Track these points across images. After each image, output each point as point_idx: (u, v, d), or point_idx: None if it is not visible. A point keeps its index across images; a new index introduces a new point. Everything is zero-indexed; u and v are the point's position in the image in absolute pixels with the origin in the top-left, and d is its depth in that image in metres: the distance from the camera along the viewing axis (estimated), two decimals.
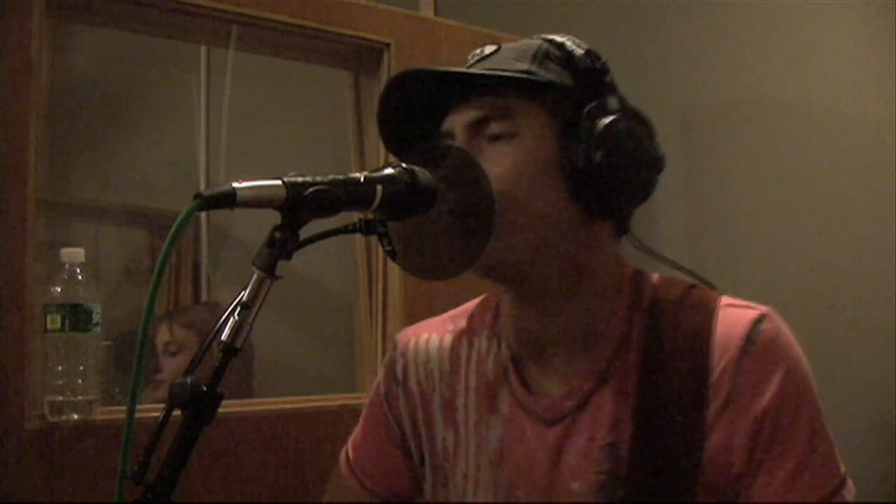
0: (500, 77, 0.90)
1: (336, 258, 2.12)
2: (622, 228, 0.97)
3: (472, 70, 0.93)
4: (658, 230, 2.15)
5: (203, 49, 2.33)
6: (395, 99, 0.95)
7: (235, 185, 0.73)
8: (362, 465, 1.13)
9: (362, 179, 0.81)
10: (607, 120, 0.89)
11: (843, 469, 0.89)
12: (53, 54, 1.44)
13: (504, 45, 0.96)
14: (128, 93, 2.36)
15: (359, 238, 1.79)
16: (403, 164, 0.85)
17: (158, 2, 1.51)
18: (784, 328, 0.91)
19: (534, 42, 0.95)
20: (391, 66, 1.73)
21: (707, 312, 0.91)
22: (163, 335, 2.05)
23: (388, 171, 0.84)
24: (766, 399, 0.87)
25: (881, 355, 1.84)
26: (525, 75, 0.91)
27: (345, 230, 0.85)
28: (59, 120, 1.78)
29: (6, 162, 1.31)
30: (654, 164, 0.93)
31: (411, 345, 1.09)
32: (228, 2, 1.56)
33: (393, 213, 0.85)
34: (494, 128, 0.91)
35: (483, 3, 2.11)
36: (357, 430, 1.15)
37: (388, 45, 1.75)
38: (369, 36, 1.72)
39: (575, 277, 0.93)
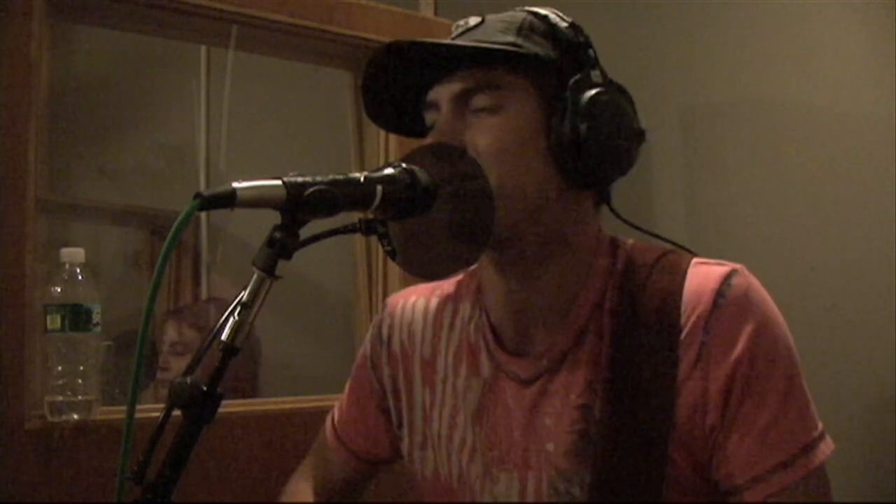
0: (487, 49, 0.91)
1: (336, 258, 2.12)
2: (602, 199, 0.98)
3: (459, 42, 0.93)
4: (658, 230, 2.14)
5: (203, 49, 2.33)
6: (381, 70, 0.95)
7: (235, 185, 0.73)
8: (346, 426, 1.15)
9: (362, 179, 0.82)
10: (592, 92, 0.90)
11: (820, 425, 0.89)
12: (53, 54, 1.44)
13: (488, 17, 0.97)
14: (128, 93, 2.36)
15: (359, 238, 1.79)
16: (403, 164, 0.86)
17: (158, 2, 1.51)
18: (756, 283, 0.91)
19: (518, 14, 0.96)
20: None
21: (678, 272, 0.92)
22: (170, 334, 2.04)
23: (388, 171, 0.84)
24: (737, 351, 0.87)
25: (881, 355, 1.84)
26: (511, 48, 0.91)
27: (345, 230, 0.85)
28: (59, 120, 1.78)
29: (6, 162, 1.30)
30: (636, 137, 0.94)
31: (398, 307, 1.11)
32: (228, 2, 1.56)
33: (393, 213, 0.85)
34: (480, 100, 0.91)
35: (483, 3, 2.11)
36: (343, 394, 1.17)
37: None
38: (369, 36, 1.72)
39: (555, 246, 0.94)
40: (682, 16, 2.16)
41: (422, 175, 0.85)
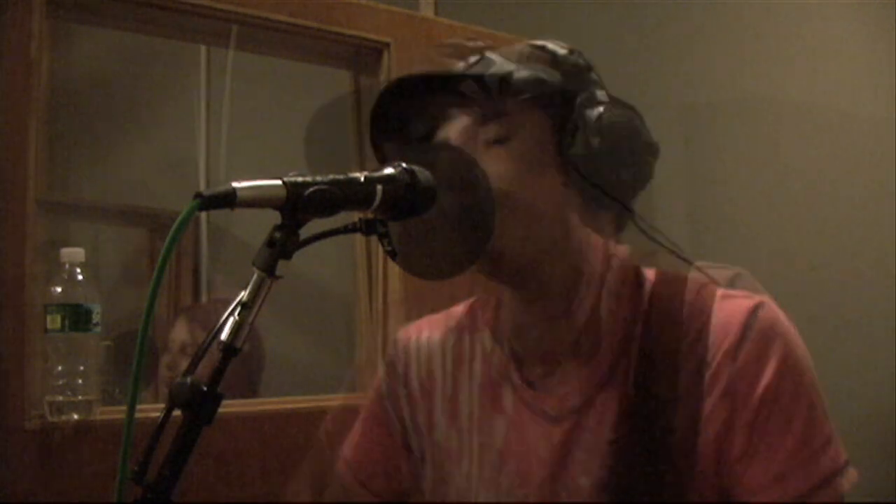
0: (490, 79, 0.91)
1: (336, 258, 2.12)
2: (623, 218, 0.97)
3: (465, 72, 0.93)
4: (658, 230, 2.14)
5: (203, 49, 2.33)
6: (384, 110, 0.94)
7: (235, 184, 0.72)
8: (363, 464, 1.12)
9: (362, 179, 0.81)
10: (600, 109, 0.90)
11: (844, 457, 0.89)
12: (53, 54, 1.44)
13: (487, 53, 0.96)
14: (128, 93, 2.36)
15: (359, 238, 1.78)
16: (403, 164, 0.85)
17: (158, 2, 1.51)
18: (782, 315, 0.91)
19: (517, 46, 0.96)
20: (391, 66, 1.73)
21: (704, 306, 0.92)
22: (180, 334, 2.03)
23: (388, 171, 0.84)
24: (763, 383, 0.87)
25: (881, 355, 1.84)
26: (515, 77, 0.91)
27: (345, 230, 0.85)
28: (59, 120, 1.78)
29: (6, 162, 1.30)
30: (650, 150, 0.93)
31: (412, 342, 1.09)
32: (228, 2, 1.56)
33: (393, 213, 0.85)
34: (489, 131, 0.91)
35: (483, 3, 2.11)
36: (355, 431, 1.14)
37: (388, 45, 1.75)
38: (369, 36, 1.72)
39: (579, 275, 0.93)
40: (682, 15, 2.16)
41: (422, 175, 0.85)
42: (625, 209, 0.96)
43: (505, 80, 0.91)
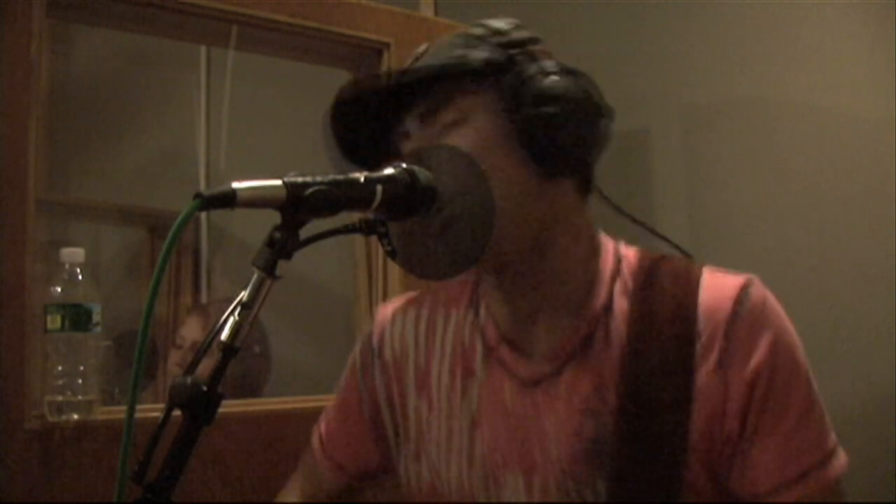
0: (436, 68, 0.92)
1: (336, 258, 2.12)
2: (586, 187, 0.97)
3: (402, 68, 0.95)
4: (658, 230, 2.15)
5: (203, 49, 2.33)
6: (347, 114, 0.95)
7: (235, 185, 0.73)
8: (333, 439, 1.13)
9: (362, 179, 0.82)
10: (546, 79, 0.90)
11: (834, 436, 0.90)
12: (53, 54, 1.45)
13: (436, 42, 0.98)
14: (128, 93, 2.36)
15: (359, 238, 1.79)
16: (404, 164, 0.86)
17: (158, 2, 1.51)
18: (770, 294, 0.93)
19: (462, 30, 0.97)
20: (391, 66, 1.74)
21: (691, 280, 0.93)
22: (192, 331, 2.02)
23: (389, 171, 0.84)
24: (757, 359, 0.88)
25: (881, 355, 1.84)
26: (457, 60, 0.92)
27: (345, 230, 0.85)
28: (59, 120, 1.78)
29: (6, 162, 1.31)
30: (602, 113, 0.92)
31: (388, 317, 1.10)
32: (228, 2, 1.56)
33: (393, 213, 0.85)
34: (443, 117, 0.92)
35: (483, 3, 2.11)
36: (330, 406, 1.15)
37: (388, 45, 1.75)
38: (369, 36, 1.72)
39: (549, 247, 0.94)
40: (682, 15, 2.16)
41: (422, 175, 0.86)
42: (585, 182, 0.96)
43: (448, 67, 0.92)
